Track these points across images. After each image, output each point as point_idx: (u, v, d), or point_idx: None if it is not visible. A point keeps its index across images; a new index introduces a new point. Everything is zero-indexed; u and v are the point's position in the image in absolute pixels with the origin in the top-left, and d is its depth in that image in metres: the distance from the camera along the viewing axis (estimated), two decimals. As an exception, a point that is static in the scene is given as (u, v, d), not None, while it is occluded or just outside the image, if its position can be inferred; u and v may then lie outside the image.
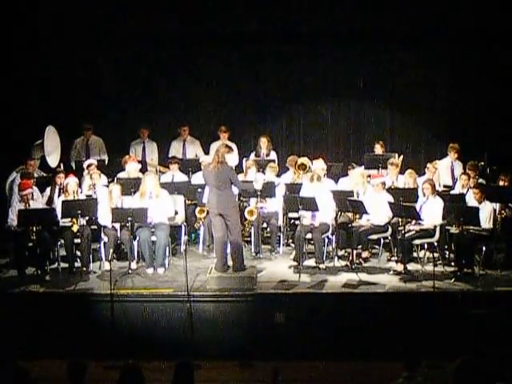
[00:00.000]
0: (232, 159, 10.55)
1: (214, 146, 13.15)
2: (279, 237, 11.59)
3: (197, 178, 11.93)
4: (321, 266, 10.56)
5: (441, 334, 9.01)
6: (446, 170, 12.24)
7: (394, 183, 11.54)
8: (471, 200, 10.58)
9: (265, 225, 11.58)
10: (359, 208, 10.47)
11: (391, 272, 10.34)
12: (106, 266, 10.21)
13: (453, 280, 9.95)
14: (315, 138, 14.19)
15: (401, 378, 6.35)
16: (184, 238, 11.07)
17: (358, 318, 9.28)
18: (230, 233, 9.71)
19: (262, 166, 12.10)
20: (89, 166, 11.72)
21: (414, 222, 10.46)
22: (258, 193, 11.04)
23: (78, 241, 10.40)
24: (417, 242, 10.50)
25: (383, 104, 14.09)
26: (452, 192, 11.47)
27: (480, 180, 11.49)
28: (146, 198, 10.65)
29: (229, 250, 9.94)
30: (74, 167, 12.53)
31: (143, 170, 12.16)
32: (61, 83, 13.32)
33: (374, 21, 13.14)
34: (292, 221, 11.79)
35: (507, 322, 9.05)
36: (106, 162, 12.77)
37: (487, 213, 10.25)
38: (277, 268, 10.71)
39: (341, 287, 9.84)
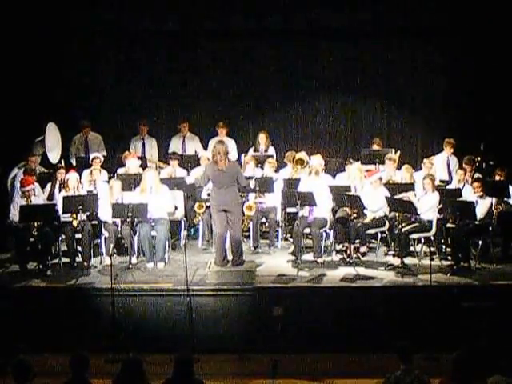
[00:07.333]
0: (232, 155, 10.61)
1: (212, 142, 13.20)
2: (278, 231, 11.65)
3: (196, 174, 12.01)
4: (319, 260, 10.63)
5: (437, 327, 9.08)
6: (441, 164, 12.28)
7: (392, 177, 11.61)
8: (467, 194, 10.67)
9: (263, 220, 11.63)
10: (356, 203, 10.55)
11: (388, 266, 10.40)
12: (107, 260, 10.25)
13: (449, 274, 10.01)
14: (313, 133, 14.23)
15: (398, 370, 6.43)
16: (184, 232, 11.11)
17: (355, 312, 9.34)
18: (231, 228, 9.76)
19: (260, 162, 12.18)
20: (94, 158, 11.78)
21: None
22: (257, 188, 11.15)
23: (78, 236, 10.47)
24: (414, 236, 10.57)
25: (380, 100, 14.12)
26: (448, 187, 11.55)
27: (476, 174, 11.56)
28: (147, 193, 10.70)
29: (228, 245, 10.00)
30: (74, 163, 12.61)
31: (143, 166, 12.23)
32: (61, 81, 13.39)
33: (372, 18, 13.22)
34: (290, 215, 11.85)
35: (503, 315, 9.13)
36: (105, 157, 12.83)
37: (485, 207, 10.34)
38: (275, 262, 10.77)
39: (338, 281, 9.89)
